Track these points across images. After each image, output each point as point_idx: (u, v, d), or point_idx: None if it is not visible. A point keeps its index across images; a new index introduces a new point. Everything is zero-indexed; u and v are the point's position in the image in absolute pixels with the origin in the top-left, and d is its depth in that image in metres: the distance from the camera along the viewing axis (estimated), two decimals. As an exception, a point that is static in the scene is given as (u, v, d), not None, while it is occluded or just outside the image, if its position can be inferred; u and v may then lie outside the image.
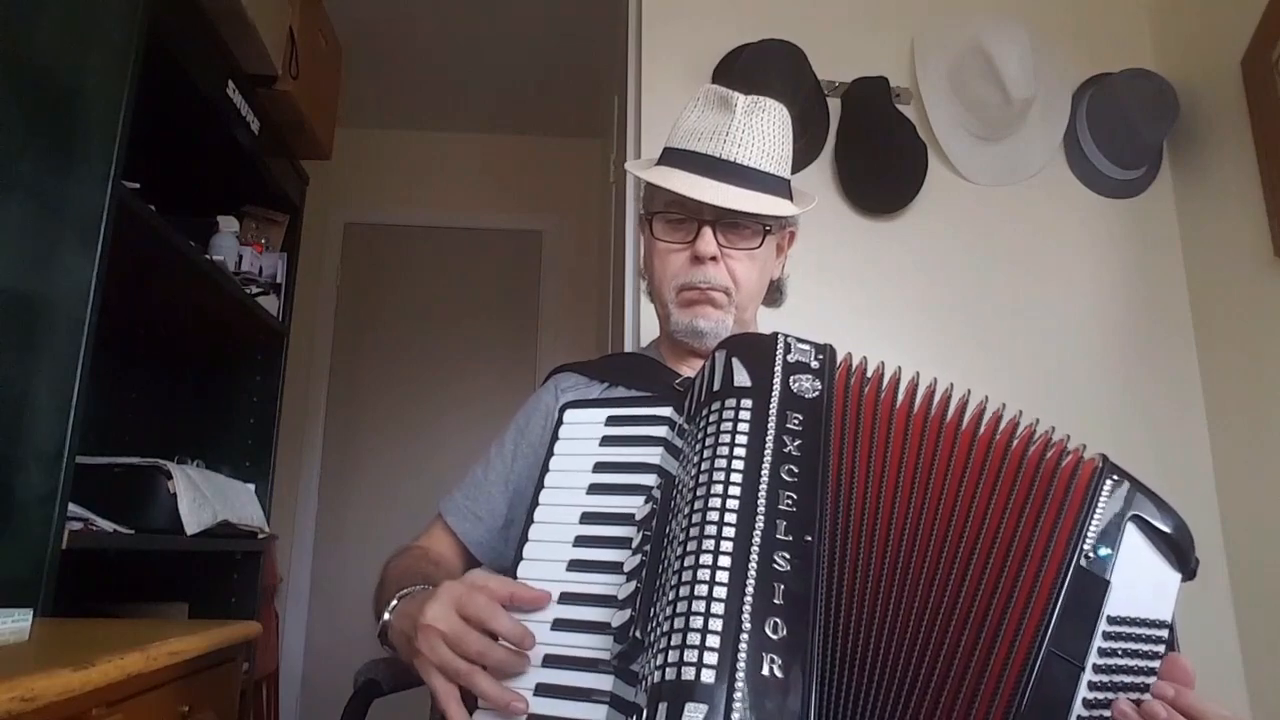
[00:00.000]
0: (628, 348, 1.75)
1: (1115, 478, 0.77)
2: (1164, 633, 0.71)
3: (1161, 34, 1.98)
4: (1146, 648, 0.70)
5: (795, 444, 0.72)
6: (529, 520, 0.82)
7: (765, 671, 0.61)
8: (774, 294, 1.17)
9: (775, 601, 0.64)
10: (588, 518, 0.79)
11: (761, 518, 0.68)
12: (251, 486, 2.08)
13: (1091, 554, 0.72)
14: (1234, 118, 1.71)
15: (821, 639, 0.65)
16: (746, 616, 0.63)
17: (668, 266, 1.07)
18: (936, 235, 1.86)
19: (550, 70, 3.27)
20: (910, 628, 0.69)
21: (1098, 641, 0.69)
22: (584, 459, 0.84)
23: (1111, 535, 0.73)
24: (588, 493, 0.81)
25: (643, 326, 1.75)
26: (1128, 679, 0.69)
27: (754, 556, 0.66)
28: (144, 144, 1.43)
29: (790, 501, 0.69)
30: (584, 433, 0.87)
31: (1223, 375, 1.77)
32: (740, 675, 0.61)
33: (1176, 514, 0.78)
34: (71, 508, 1.32)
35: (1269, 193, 1.60)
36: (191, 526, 1.62)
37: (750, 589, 0.64)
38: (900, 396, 0.77)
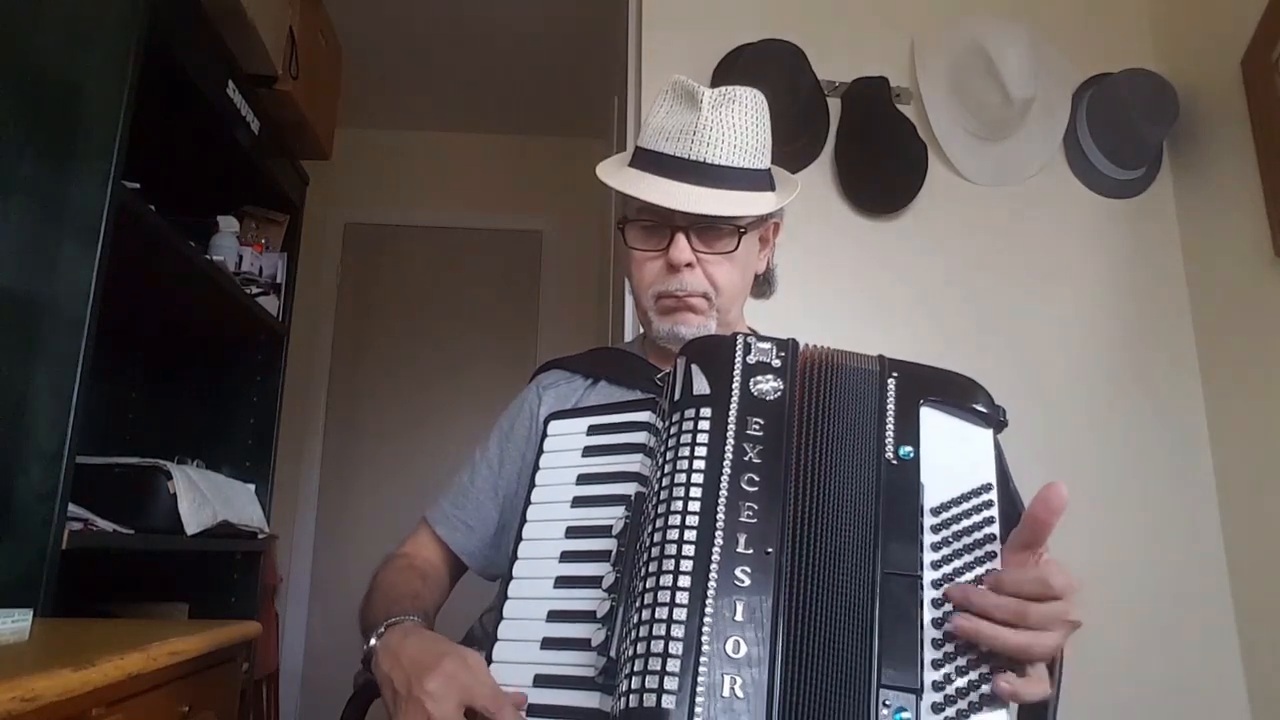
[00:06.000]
0: (627, 348, 1.74)
1: (895, 373, 0.77)
2: (990, 495, 0.72)
3: (1161, 34, 1.98)
4: (977, 518, 0.71)
5: (756, 450, 0.71)
6: (518, 538, 0.82)
7: (726, 692, 0.61)
8: (762, 286, 1.13)
9: (736, 619, 0.64)
10: (572, 532, 0.79)
11: (720, 533, 0.67)
12: (251, 486, 2.08)
13: (894, 459, 0.72)
14: (1234, 118, 1.71)
15: (785, 647, 0.64)
16: (706, 637, 0.63)
17: (644, 274, 1.02)
18: (936, 235, 1.86)
19: (550, 70, 3.27)
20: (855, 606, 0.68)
21: (927, 539, 0.70)
22: (568, 471, 0.84)
23: (909, 429, 0.74)
24: (572, 506, 0.81)
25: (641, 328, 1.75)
26: (967, 557, 0.69)
27: (713, 574, 0.65)
28: (144, 144, 1.43)
29: (751, 513, 0.68)
30: (567, 444, 0.86)
31: (1223, 375, 1.77)
32: (700, 699, 0.61)
33: (966, 379, 0.78)
34: (71, 508, 1.32)
35: (1269, 193, 1.60)
36: (191, 526, 1.62)
37: (709, 607, 0.64)
38: None
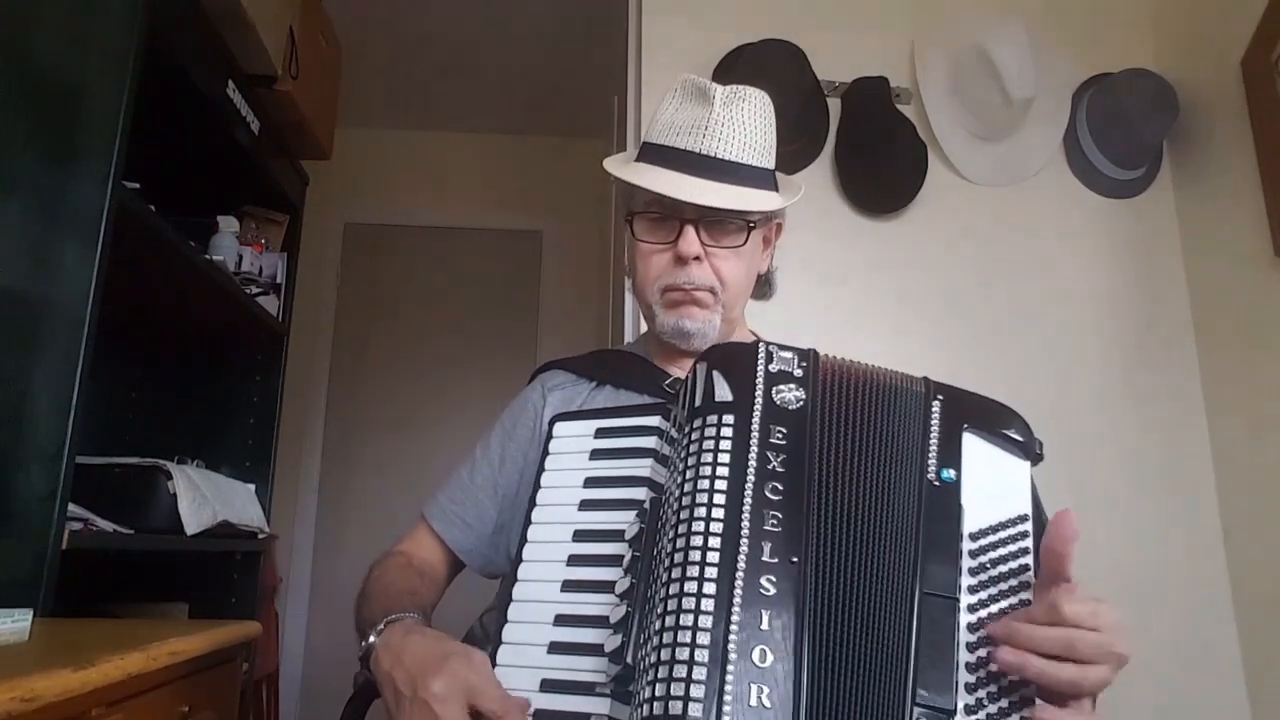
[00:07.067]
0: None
1: (940, 396, 0.77)
2: (1026, 525, 0.72)
3: (1161, 34, 1.98)
4: (1013, 547, 0.71)
5: (779, 459, 0.71)
6: (523, 540, 0.81)
7: (754, 701, 0.61)
8: (762, 287, 1.13)
9: (762, 628, 0.63)
10: (580, 535, 0.79)
11: (746, 541, 0.66)
12: (251, 486, 2.08)
13: (936, 480, 0.72)
14: (1234, 118, 1.71)
15: (811, 658, 0.64)
16: (733, 645, 0.62)
17: (650, 267, 1.02)
18: (936, 235, 1.86)
19: (550, 70, 3.27)
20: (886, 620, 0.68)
21: (965, 563, 0.70)
22: (575, 474, 0.83)
23: (952, 452, 0.74)
24: (579, 509, 0.81)
25: (643, 326, 1.75)
26: (1003, 585, 0.69)
27: (739, 582, 0.65)
28: (144, 144, 1.43)
29: (775, 521, 0.68)
30: (573, 446, 0.86)
31: (1223, 374, 1.77)
32: (728, 707, 0.60)
33: (1006, 408, 0.78)
34: (71, 508, 1.32)
35: (1269, 193, 1.60)
36: (191, 526, 1.62)
37: (736, 616, 0.63)
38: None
